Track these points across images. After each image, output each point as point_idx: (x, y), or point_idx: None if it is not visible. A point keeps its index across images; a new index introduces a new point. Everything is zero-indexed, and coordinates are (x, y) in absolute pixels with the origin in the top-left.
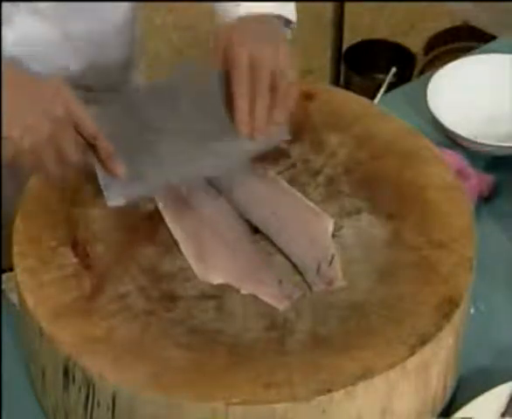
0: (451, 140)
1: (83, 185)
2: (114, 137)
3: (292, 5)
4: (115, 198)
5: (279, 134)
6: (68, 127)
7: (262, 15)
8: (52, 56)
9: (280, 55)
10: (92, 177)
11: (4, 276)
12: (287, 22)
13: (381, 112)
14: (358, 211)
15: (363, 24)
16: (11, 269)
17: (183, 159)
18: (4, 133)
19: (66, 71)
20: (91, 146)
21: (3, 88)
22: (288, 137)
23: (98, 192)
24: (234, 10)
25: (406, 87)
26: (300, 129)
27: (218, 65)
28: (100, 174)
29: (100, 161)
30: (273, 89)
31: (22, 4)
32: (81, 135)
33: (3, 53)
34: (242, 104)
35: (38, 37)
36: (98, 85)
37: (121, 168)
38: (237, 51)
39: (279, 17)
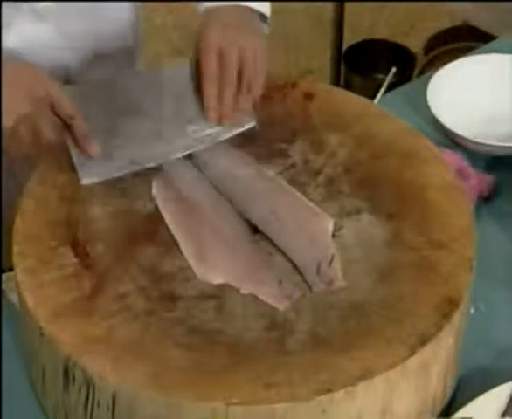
0: (451, 140)
1: (83, 185)
2: (89, 118)
3: (266, 2)
4: (89, 176)
5: (246, 120)
6: (45, 107)
7: (234, 6)
8: (53, 57)
9: (249, 43)
10: (66, 156)
11: (4, 276)
12: (262, 17)
13: (381, 112)
14: (358, 211)
15: (363, 24)
16: (11, 269)
17: (154, 140)
18: None
19: (67, 71)
20: (67, 126)
21: None
22: (254, 124)
23: (98, 192)
24: (208, 2)
25: (406, 87)
26: (300, 129)
27: (194, 55)
28: (75, 153)
29: (75, 140)
30: (241, 76)
31: (23, 6)
32: (58, 115)
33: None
34: (210, 90)
35: (38, 39)
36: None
37: (95, 148)
38: (206, 38)
39: (252, 11)
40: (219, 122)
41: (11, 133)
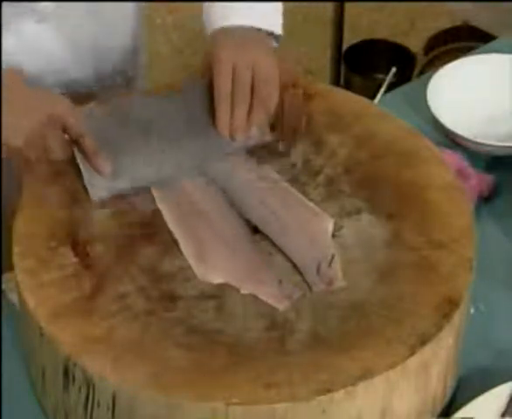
0: (451, 140)
1: (83, 185)
2: (99, 135)
3: (278, 18)
4: (99, 192)
5: (258, 135)
6: (55, 125)
7: (245, 27)
8: (52, 58)
9: (262, 60)
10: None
11: (4, 276)
12: (273, 34)
13: (381, 112)
14: (358, 211)
15: (363, 24)
16: (11, 269)
17: (164, 156)
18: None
19: (67, 73)
20: (77, 143)
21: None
22: (269, 138)
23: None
24: (219, 22)
25: (406, 87)
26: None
27: (205, 70)
28: (85, 170)
29: (86, 157)
30: (253, 91)
31: (23, 6)
32: (68, 133)
33: (4, 57)
34: (222, 107)
35: (38, 39)
36: (99, 86)
37: (105, 165)
38: (219, 56)
39: (264, 32)
40: (231, 137)
41: (20, 151)
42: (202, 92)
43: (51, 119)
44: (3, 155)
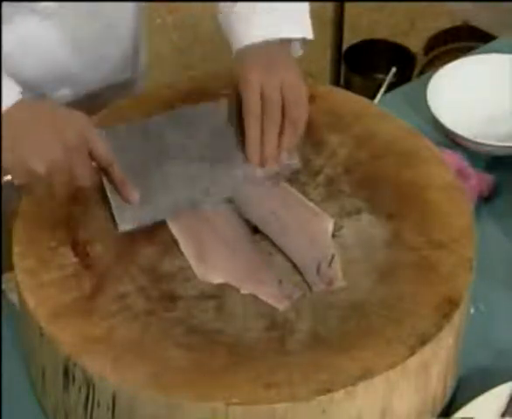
0: (451, 140)
1: (84, 187)
2: (126, 161)
3: (307, 20)
4: (127, 223)
5: (288, 162)
6: (83, 153)
7: (272, 43)
8: (53, 57)
9: (291, 81)
10: (96, 194)
11: (4, 276)
12: (304, 39)
13: (381, 112)
14: (358, 211)
15: (363, 24)
16: (11, 269)
17: (193, 183)
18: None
19: (67, 72)
20: (104, 171)
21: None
22: (298, 165)
23: (98, 192)
24: (244, 39)
25: (406, 87)
26: None
27: (233, 94)
28: (113, 199)
29: (114, 186)
30: (283, 116)
31: (23, 6)
32: (95, 161)
33: (3, 57)
34: (252, 132)
35: (38, 39)
36: (98, 85)
37: (134, 195)
38: (248, 77)
39: (291, 41)
40: (262, 164)
41: (43, 178)
42: (228, 110)
43: (75, 144)
44: (22, 180)
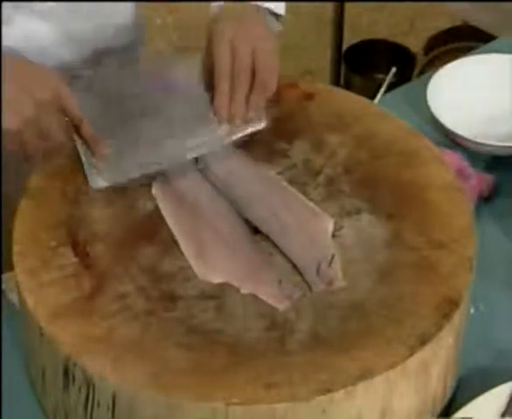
0: (451, 140)
1: (83, 185)
2: (95, 119)
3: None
4: (99, 181)
5: (256, 121)
6: (54, 109)
7: (248, 4)
8: (51, 56)
9: (263, 42)
10: (74, 157)
11: (4, 276)
12: (276, 16)
13: (381, 112)
14: (358, 211)
15: (363, 24)
16: (11, 269)
17: (164, 142)
18: None
19: (66, 71)
20: (76, 128)
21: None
22: (264, 124)
23: (98, 192)
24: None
25: (406, 87)
26: (300, 129)
27: (206, 51)
28: (85, 157)
29: (85, 143)
30: (252, 75)
31: (22, 5)
32: (68, 117)
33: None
34: (222, 87)
35: (37, 38)
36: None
37: (105, 150)
38: (220, 31)
39: (267, 10)
40: (230, 121)
41: (16, 134)
42: (199, 65)
43: (47, 100)
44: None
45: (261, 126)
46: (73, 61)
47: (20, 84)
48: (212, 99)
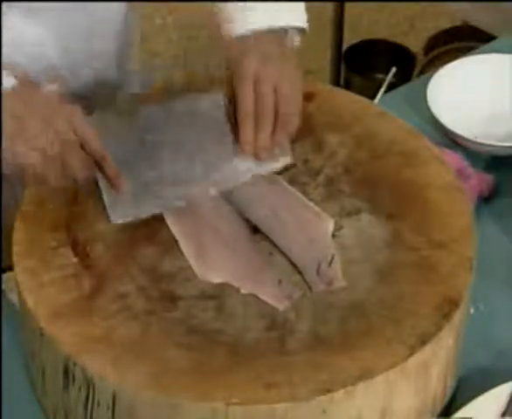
0: (451, 140)
1: (83, 185)
2: (119, 151)
3: (301, 9)
4: (119, 216)
5: (281, 156)
6: (75, 145)
7: (271, 33)
8: (39, 53)
9: (286, 76)
10: (95, 194)
11: (4, 276)
12: (300, 30)
13: (381, 112)
14: (358, 211)
15: (363, 24)
16: (11, 269)
17: (186, 177)
18: (8, 146)
19: (56, 69)
20: (97, 164)
21: (12, 103)
22: (291, 160)
23: (98, 192)
24: (248, 23)
25: (406, 87)
26: (300, 129)
27: (226, 85)
28: (106, 192)
29: (106, 178)
30: (276, 110)
31: (14, 4)
32: (88, 152)
33: None
34: (246, 124)
35: (28, 36)
36: (87, 82)
37: (125, 186)
38: (244, 68)
39: (289, 31)
40: (255, 157)
41: (35, 169)
42: (222, 101)
43: (68, 134)
44: (10, 170)
45: (287, 161)
46: (61, 61)
47: (40, 118)
48: (235, 135)
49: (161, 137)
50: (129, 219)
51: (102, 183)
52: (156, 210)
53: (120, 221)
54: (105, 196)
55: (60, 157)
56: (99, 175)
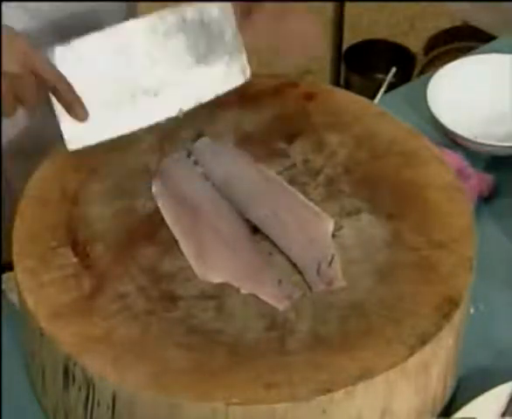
0: (451, 140)
1: (83, 185)
2: (78, 78)
3: None
4: (75, 142)
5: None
6: (26, 75)
7: None
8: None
9: None
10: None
11: (4, 276)
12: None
13: (381, 112)
14: (358, 211)
15: (363, 24)
16: (11, 269)
17: (145, 96)
18: None
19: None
20: (53, 89)
21: None
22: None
23: (98, 192)
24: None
25: (406, 87)
26: (300, 129)
27: None
28: (61, 117)
29: (63, 104)
30: None
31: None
32: (40, 83)
33: None
34: None
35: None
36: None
37: (84, 112)
38: None
39: None
40: None
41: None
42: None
43: (19, 68)
44: None
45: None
46: (37, 34)
47: (10, 44)
48: None
49: (133, 57)
50: (85, 144)
51: (58, 110)
52: (114, 133)
53: (74, 147)
54: (60, 123)
55: (12, 88)
56: (56, 104)
